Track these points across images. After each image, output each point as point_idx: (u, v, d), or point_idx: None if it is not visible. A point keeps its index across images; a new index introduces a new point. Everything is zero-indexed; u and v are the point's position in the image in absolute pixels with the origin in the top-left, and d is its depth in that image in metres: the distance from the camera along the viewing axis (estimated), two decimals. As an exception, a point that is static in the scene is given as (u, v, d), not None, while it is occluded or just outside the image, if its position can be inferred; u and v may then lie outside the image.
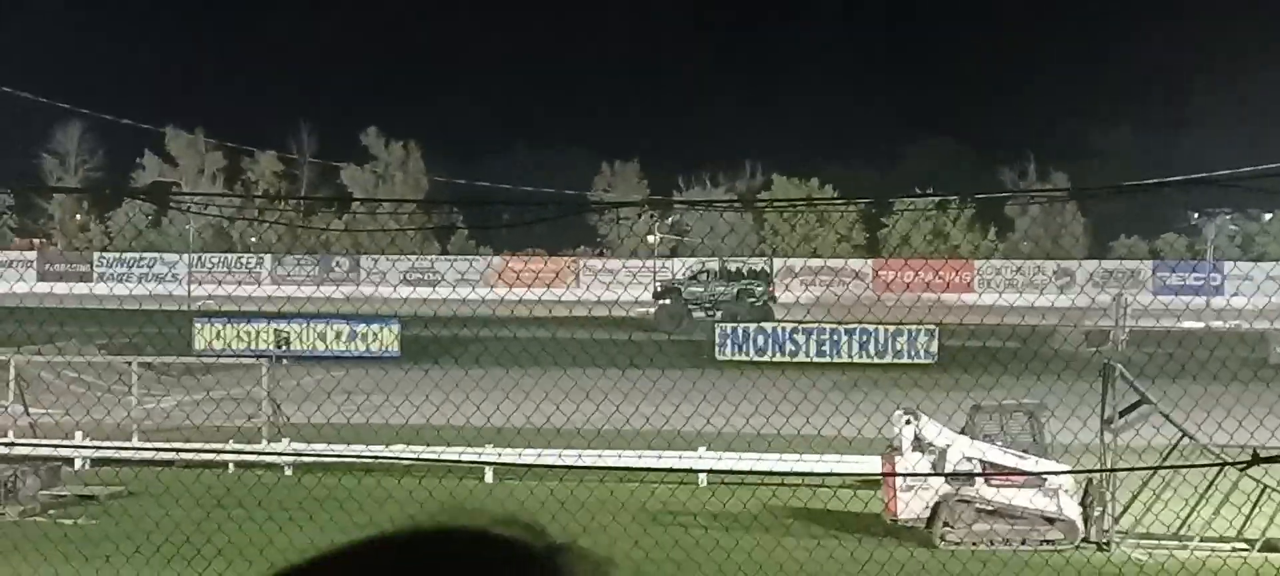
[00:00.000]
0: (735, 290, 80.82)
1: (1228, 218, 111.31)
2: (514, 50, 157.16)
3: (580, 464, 32.32)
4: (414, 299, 53.30)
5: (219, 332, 61.09)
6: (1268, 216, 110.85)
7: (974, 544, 29.15)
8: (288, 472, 35.12)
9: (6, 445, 34.25)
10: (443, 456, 33.09)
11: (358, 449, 34.08)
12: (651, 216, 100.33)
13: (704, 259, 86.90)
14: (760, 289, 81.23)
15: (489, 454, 33.59)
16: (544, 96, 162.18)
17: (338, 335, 61.56)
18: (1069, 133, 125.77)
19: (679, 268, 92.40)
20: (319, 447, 34.58)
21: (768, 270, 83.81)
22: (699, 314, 78.14)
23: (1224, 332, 65.97)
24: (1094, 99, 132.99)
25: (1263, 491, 28.94)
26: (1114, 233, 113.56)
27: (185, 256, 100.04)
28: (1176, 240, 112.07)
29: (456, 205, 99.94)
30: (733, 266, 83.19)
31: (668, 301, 79.72)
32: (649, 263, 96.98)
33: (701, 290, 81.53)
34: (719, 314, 76.54)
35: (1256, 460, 12.20)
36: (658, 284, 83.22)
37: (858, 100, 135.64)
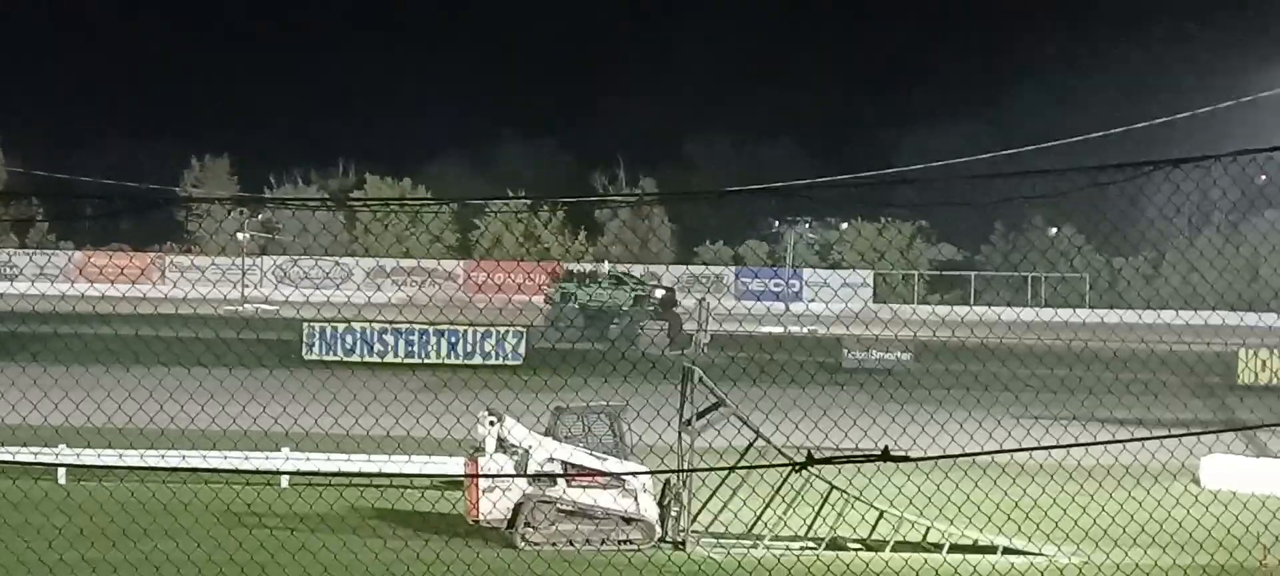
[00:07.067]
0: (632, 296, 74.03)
1: (807, 226, 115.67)
2: (104, 37, 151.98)
3: (159, 464, 31.86)
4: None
5: None
6: (844, 225, 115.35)
7: (555, 544, 29.72)
8: None
9: None
10: (16, 458, 32.16)
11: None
12: (241, 214, 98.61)
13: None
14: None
15: (64, 454, 32.67)
16: (136, 86, 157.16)
17: (-97, 331, 58.65)
18: (664, 140, 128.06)
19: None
20: None
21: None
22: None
23: (801, 338, 68.88)
24: (689, 108, 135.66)
25: (830, 492, 30.34)
26: (701, 239, 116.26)
27: None
28: (758, 246, 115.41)
29: (36, 197, 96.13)
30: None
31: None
32: (237, 261, 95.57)
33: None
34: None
35: (811, 461, 12.89)
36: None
37: (452, 100, 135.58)
